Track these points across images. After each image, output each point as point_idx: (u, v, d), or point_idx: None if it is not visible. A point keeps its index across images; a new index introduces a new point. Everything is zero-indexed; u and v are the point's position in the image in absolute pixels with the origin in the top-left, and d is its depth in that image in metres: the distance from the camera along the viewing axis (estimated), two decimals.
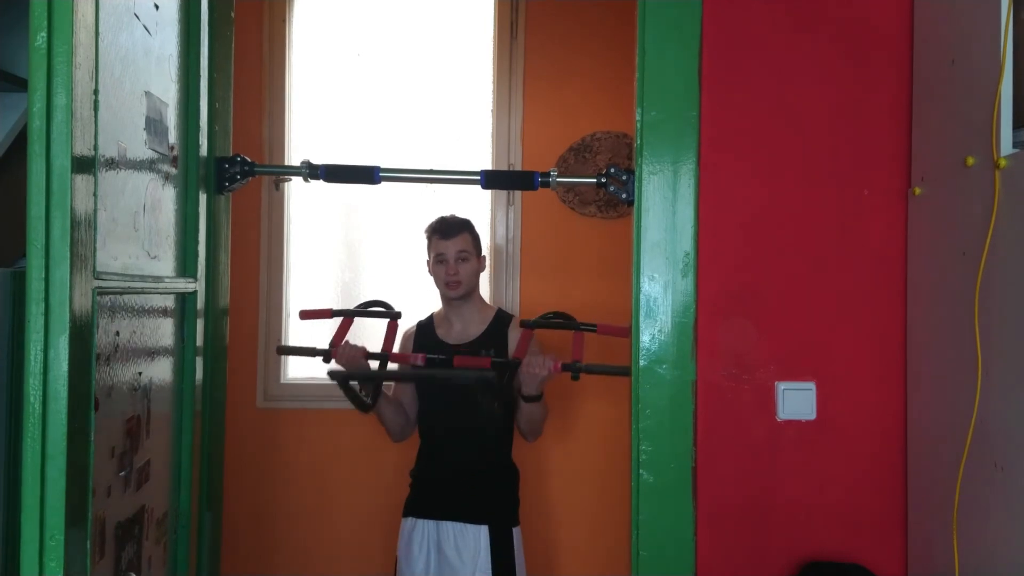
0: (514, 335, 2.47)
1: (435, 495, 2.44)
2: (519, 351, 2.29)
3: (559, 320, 2.36)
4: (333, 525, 3.13)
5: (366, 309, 2.48)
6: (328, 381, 2.29)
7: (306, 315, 2.51)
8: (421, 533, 2.44)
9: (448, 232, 2.44)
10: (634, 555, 1.66)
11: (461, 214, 2.55)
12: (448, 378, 2.37)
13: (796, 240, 1.68)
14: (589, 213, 3.15)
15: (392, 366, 2.42)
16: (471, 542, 2.38)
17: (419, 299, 2.96)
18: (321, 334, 3.20)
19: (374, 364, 2.39)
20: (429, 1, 3.23)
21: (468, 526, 2.40)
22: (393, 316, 2.45)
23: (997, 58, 1.30)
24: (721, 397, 1.67)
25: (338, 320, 2.48)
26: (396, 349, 2.60)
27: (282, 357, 3.14)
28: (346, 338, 2.40)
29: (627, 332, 1.71)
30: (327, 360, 2.38)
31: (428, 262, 2.51)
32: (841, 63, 1.69)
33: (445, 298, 2.50)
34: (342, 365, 2.34)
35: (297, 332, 3.20)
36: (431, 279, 2.52)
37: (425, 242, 2.51)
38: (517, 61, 3.16)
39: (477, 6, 3.23)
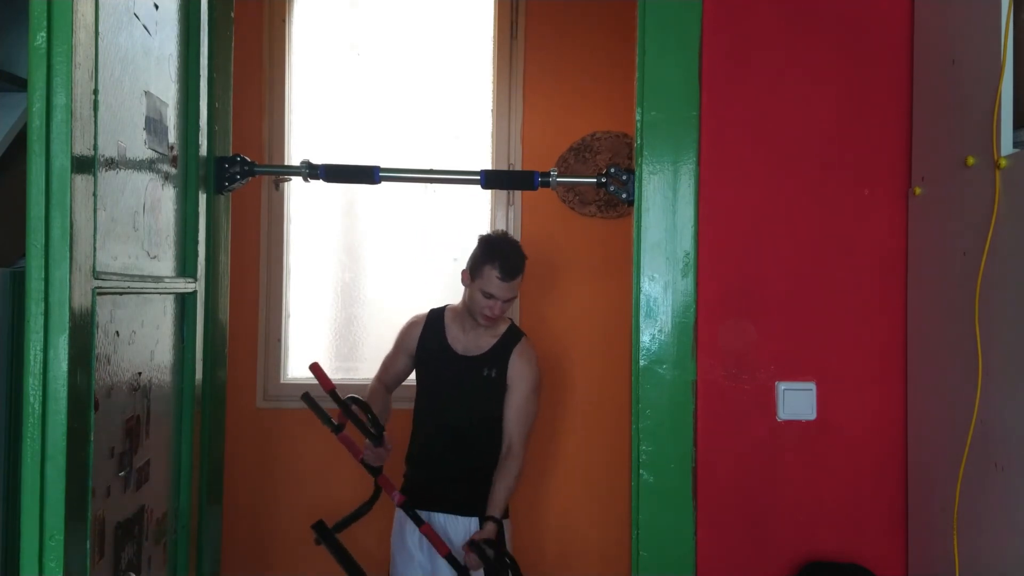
0: (515, 361, 2.42)
1: (426, 488, 2.44)
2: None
3: None
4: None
5: (351, 410, 2.31)
6: None
7: (317, 370, 2.34)
8: (413, 524, 2.44)
9: (510, 275, 2.31)
10: (634, 555, 1.66)
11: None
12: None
13: (796, 240, 1.68)
14: (589, 213, 3.14)
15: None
16: (462, 533, 2.40)
17: (419, 299, 2.96)
18: (321, 333, 3.21)
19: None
20: (429, 1, 3.23)
21: (459, 518, 2.42)
22: (373, 438, 2.33)
23: (997, 58, 1.30)
24: (721, 397, 1.67)
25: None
26: (402, 333, 2.56)
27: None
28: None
29: None
30: (338, 432, 2.35)
31: (467, 274, 2.39)
32: (841, 63, 1.69)
33: (472, 316, 2.42)
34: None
35: (296, 331, 3.20)
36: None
37: (477, 262, 2.35)
38: (517, 61, 3.16)
39: (477, 6, 3.23)
